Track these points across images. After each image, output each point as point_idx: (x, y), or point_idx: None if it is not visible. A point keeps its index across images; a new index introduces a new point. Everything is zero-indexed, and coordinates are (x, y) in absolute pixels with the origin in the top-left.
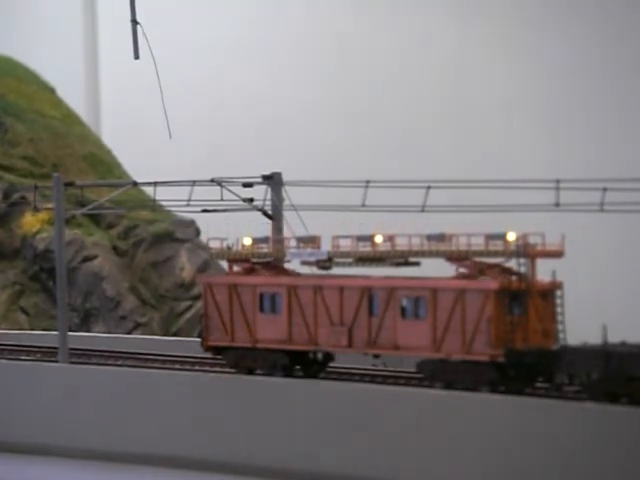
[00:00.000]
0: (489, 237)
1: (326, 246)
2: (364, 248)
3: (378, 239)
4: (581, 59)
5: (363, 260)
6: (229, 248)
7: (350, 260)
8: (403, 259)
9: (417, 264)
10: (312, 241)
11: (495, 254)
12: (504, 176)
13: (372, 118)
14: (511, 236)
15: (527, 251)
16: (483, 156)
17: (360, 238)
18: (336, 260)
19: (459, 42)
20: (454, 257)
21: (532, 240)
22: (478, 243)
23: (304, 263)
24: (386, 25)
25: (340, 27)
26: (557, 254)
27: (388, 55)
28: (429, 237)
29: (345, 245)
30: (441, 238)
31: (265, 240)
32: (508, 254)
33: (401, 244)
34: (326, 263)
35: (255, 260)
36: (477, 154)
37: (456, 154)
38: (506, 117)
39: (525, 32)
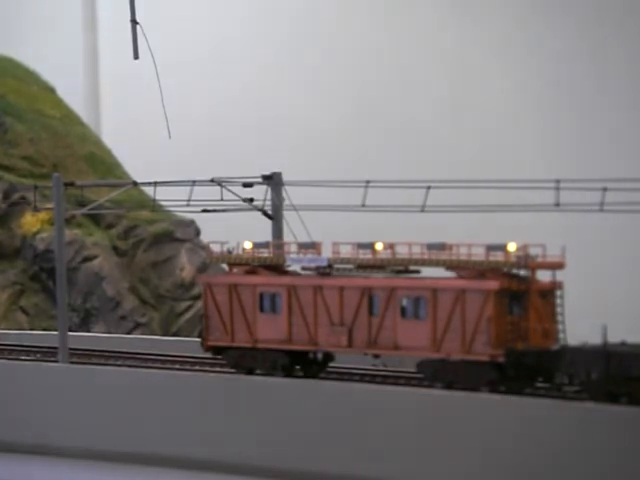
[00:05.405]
0: (489, 247)
1: (326, 252)
2: (364, 255)
3: (378, 246)
4: (579, 59)
5: (363, 267)
6: (230, 252)
7: (350, 267)
8: (403, 267)
9: (417, 272)
10: (312, 247)
11: (495, 265)
12: (503, 176)
13: (371, 118)
14: (511, 247)
15: (528, 263)
16: (482, 156)
17: (360, 245)
18: (336, 266)
19: (458, 42)
20: (454, 267)
21: (532, 251)
22: (478, 253)
23: (304, 269)
24: (385, 25)
25: (339, 26)
26: (558, 266)
27: (387, 54)
28: (429, 246)
29: (345, 252)
30: (441, 247)
31: (265, 245)
32: (508, 265)
33: (401, 252)
34: (326, 270)
35: (256, 264)
36: (476, 154)
37: (455, 154)
38: (504, 117)
39: (524, 32)
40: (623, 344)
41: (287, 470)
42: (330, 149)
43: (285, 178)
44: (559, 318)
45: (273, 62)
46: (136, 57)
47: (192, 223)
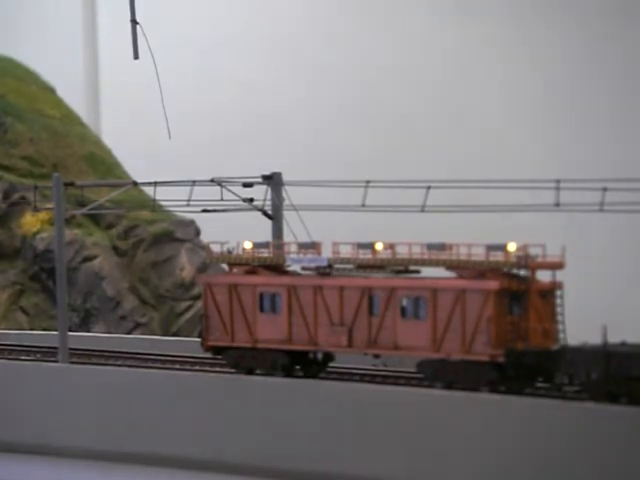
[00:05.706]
0: (489, 247)
1: (326, 252)
2: (364, 255)
3: (378, 246)
4: (578, 58)
5: (363, 267)
6: (230, 252)
7: (350, 267)
8: (403, 267)
9: (417, 272)
10: (312, 247)
11: (495, 265)
12: (503, 176)
13: (371, 118)
14: (511, 247)
15: (528, 263)
16: (482, 156)
17: (360, 245)
18: (336, 266)
19: (458, 42)
20: (454, 267)
21: (532, 251)
22: (478, 253)
23: (304, 269)
24: (385, 25)
25: (338, 26)
26: (558, 266)
27: (386, 55)
28: (429, 246)
29: (345, 252)
30: (441, 247)
31: (265, 245)
32: (508, 265)
33: (401, 252)
34: (326, 270)
35: (256, 264)
36: (476, 154)
37: (455, 154)
38: (505, 117)
39: (524, 31)
40: (623, 344)
41: (287, 470)
42: (330, 149)
43: (285, 178)
44: (559, 318)
45: (273, 62)
46: (136, 57)
47: (192, 223)
